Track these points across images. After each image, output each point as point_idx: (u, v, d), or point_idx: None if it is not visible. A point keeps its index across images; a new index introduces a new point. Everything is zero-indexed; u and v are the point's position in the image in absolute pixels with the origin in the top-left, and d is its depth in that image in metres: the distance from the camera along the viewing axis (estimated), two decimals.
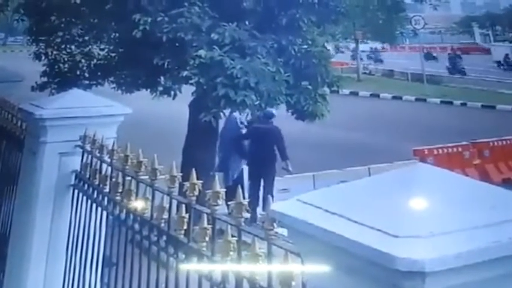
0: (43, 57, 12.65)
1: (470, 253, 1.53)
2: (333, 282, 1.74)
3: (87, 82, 12.04)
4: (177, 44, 10.30)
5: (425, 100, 32.64)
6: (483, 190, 1.83)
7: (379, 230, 1.60)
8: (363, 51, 47.50)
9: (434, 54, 51.96)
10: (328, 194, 1.89)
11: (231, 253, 2.40)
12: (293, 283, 2.03)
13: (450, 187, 1.80)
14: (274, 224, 2.21)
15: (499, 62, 49.05)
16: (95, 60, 12.46)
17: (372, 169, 13.87)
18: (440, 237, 1.54)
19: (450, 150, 17.65)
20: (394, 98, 34.25)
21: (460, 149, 17.79)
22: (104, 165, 3.80)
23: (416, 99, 33.26)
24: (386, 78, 42.79)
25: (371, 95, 35.09)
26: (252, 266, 2.23)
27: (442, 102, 31.93)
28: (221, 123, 11.39)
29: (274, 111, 12.18)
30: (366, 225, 1.64)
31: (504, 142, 18.14)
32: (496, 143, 18.06)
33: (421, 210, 1.67)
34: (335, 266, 1.71)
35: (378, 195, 1.80)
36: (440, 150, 17.42)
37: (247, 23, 10.68)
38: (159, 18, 10.04)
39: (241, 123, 12.94)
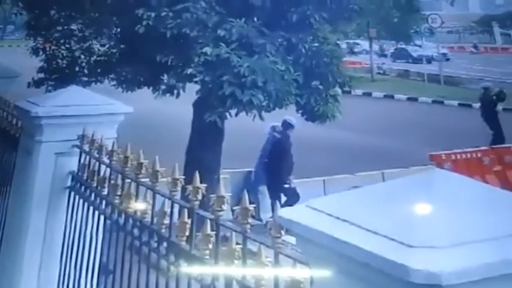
0: (41, 53, 12.68)
1: (491, 265, 1.51)
2: None
3: (86, 79, 12.03)
4: (181, 41, 10.30)
5: (442, 102, 32.55)
6: (504, 198, 1.81)
7: (392, 239, 1.59)
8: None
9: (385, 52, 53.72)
10: (340, 200, 1.89)
11: (236, 261, 2.38)
12: None
13: (469, 194, 1.78)
14: (282, 232, 2.20)
15: None
16: (95, 56, 12.45)
17: (386, 174, 13.83)
18: (458, 248, 1.53)
19: (469, 155, 17.57)
20: (409, 99, 34.18)
21: (479, 155, 17.71)
22: (103, 167, 3.78)
23: (433, 101, 33.18)
24: (401, 79, 42.71)
25: (385, 96, 35.03)
26: (258, 276, 2.21)
27: (460, 104, 31.83)
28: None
29: (293, 121, 12.76)
30: (379, 234, 1.63)
31: None
32: None
33: (438, 218, 1.66)
34: (345, 276, 1.69)
35: (391, 202, 1.78)
36: (458, 156, 17.35)
37: (255, 19, 10.68)
38: (163, 13, 10.04)
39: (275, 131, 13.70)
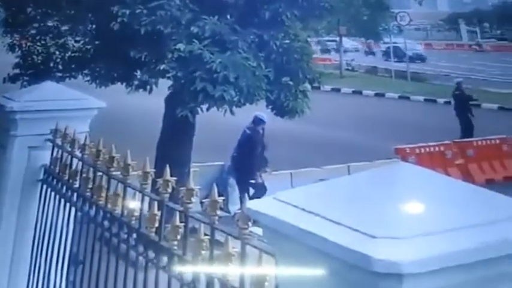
0: (17, 49, 12.60)
1: (451, 255, 1.51)
2: (307, 284, 1.71)
3: (60, 74, 12.02)
4: (155, 37, 10.27)
5: (408, 98, 32.79)
6: (465, 191, 1.81)
7: (356, 230, 1.58)
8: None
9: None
10: (306, 192, 1.88)
11: (203, 252, 2.37)
12: (266, 284, 2.00)
13: (431, 187, 1.78)
14: (249, 223, 2.20)
15: None
16: (70, 53, 12.45)
17: (352, 167, 13.89)
18: (419, 239, 1.53)
19: (432, 149, 17.74)
20: (376, 95, 34.40)
21: (442, 148, 17.88)
22: (75, 160, 3.75)
23: (400, 97, 33.43)
24: (370, 75, 42.94)
25: (353, 91, 35.21)
26: (225, 266, 2.20)
27: (425, 100, 32.11)
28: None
29: (264, 117, 12.82)
30: (344, 225, 1.62)
31: (488, 142, 18.25)
32: (479, 143, 18.17)
33: (401, 210, 1.65)
34: (310, 266, 1.68)
35: (356, 195, 1.78)
36: (422, 149, 17.51)
37: (228, 16, 10.68)
38: (137, 11, 10.01)
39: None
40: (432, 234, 1.54)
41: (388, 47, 48.88)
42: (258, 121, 13.57)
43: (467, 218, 1.63)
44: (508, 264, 1.59)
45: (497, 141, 18.29)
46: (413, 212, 1.64)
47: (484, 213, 1.67)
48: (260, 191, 12.61)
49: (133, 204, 2.96)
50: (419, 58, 49.68)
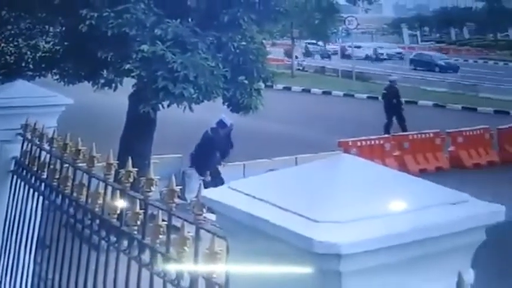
0: None
1: (385, 237, 1.52)
2: (256, 265, 1.71)
3: (31, 73, 11.91)
4: (121, 39, 10.20)
5: (353, 95, 33.08)
6: (400, 179, 1.83)
7: (301, 215, 1.59)
8: None
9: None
10: (257, 181, 1.87)
11: (161, 236, 2.37)
12: (217, 264, 2.01)
13: (370, 176, 1.80)
14: (204, 210, 2.20)
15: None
16: (40, 53, 12.32)
17: (299, 159, 13.96)
18: (357, 223, 1.54)
19: (372, 142, 17.95)
20: (324, 93, 34.60)
21: (381, 141, 18.11)
22: (43, 153, 3.73)
23: (345, 95, 33.70)
24: (319, 75, 43.14)
25: (303, 90, 35.34)
26: (180, 248, 2.21)
27: (368, 97, 32.41)
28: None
29: (228, 122, 12.86)
30: (290, 211, 1.62)
31: (422, 135, 18.55)
32: (415, 136, 18.45)
33: (342, 197, 1.66)
34: (259, 248, 1.68)
35: (302, 183, 1.78)
36: (363, 142, 17.70)
37: (190, 20, 10.65)
38: (105, 14, 9.92)
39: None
40: (369, 219, 1.55)
41: (416, 54, 47.86)
42: (222, 124, 13.64)
43: (401, 204, 1.65)
44: (434, 246, 1.61)
45: (431, 135, 18.61)
46: (353, 198, 1.65)
47: (416, 199, 1.68)
48: (217, 182, 12.62)
49: (98, 193, 2.94)
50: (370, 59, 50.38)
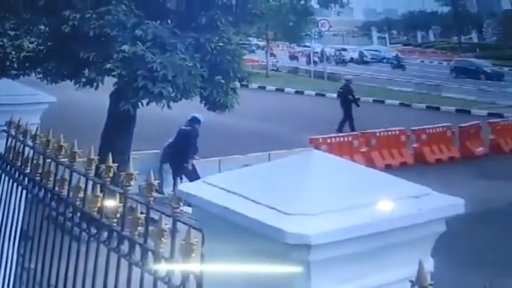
0: None
1: (351, 229, 1.54)
2: (230, 255, 1.72)
3: (15, 72, 11.80)
4: (102, 39, 10.11)
5: (324, 95, 33.19)
6: (367, 174, 1.85)
7: (273, 208, 1.60)
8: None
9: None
10: (231, 176, 1.88)
11: (139, 228, 2.37)
12: (193, 255, 2.01)
13: (339, 171, 1.81)
14: (181, 203, 2.19)
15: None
16: (24, 53, 12.17)
17: (272, 155, 13.95)
18: (326, 215, 1.55)
19: (342, 139, 18.05)
20: (297, 92, 34.68)
21: (350, 138, 18.22)
22: (27, 149, 3.68)
23: (317, 94, 33.79)
24: (292, 75, 43.21)
25: (277, 89, 35.40)
26: (158, 240, 2.21)
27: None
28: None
29: (201, 118, 12.86)
30: (262, 204, 1.63)
31: (389, 133, 18.69)
32: (382, 134, 18.58)
33: (312, 191, 1.67)
34: (232, 239, 1.68)
35: (274, 178, 1.79)
36: (333, 139, 17.78)
37: (169, 21, 10.60)
38: (87, 15, 9.83)
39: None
40: (337, 211, 1.57)
41: (457, 61, 47.26)
42: (195, 120, 13.69)
43: (368, 197, 1.66)
44: (397, 236, 1.63)
45: (397, 133, 18.76)
46: (322, 192, 1.66)
47: (381, 193, 1.70)
48: (193, 176, 12.60)
49: (80, 188, 2.92)
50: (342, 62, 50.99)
